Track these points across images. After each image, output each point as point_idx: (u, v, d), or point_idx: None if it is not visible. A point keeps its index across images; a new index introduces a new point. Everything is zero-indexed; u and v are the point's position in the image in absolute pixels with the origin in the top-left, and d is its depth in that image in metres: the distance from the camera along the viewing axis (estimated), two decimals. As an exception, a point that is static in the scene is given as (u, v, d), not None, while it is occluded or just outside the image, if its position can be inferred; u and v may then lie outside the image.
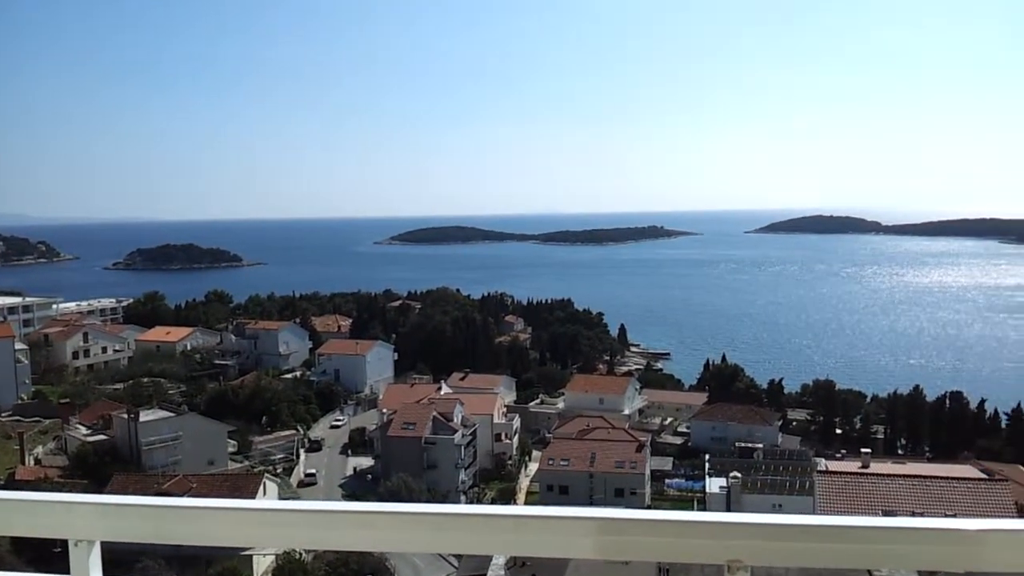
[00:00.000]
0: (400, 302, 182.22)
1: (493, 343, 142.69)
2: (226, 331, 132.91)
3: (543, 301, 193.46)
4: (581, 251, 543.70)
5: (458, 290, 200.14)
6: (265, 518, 2.39)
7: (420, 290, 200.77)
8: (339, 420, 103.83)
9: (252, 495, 60.31)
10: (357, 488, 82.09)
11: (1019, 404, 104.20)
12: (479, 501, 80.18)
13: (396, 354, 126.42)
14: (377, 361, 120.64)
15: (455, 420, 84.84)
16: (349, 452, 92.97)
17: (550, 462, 79.51)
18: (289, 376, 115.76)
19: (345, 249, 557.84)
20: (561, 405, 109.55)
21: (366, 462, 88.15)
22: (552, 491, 77.84)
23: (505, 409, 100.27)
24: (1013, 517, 47.88)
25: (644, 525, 2.13)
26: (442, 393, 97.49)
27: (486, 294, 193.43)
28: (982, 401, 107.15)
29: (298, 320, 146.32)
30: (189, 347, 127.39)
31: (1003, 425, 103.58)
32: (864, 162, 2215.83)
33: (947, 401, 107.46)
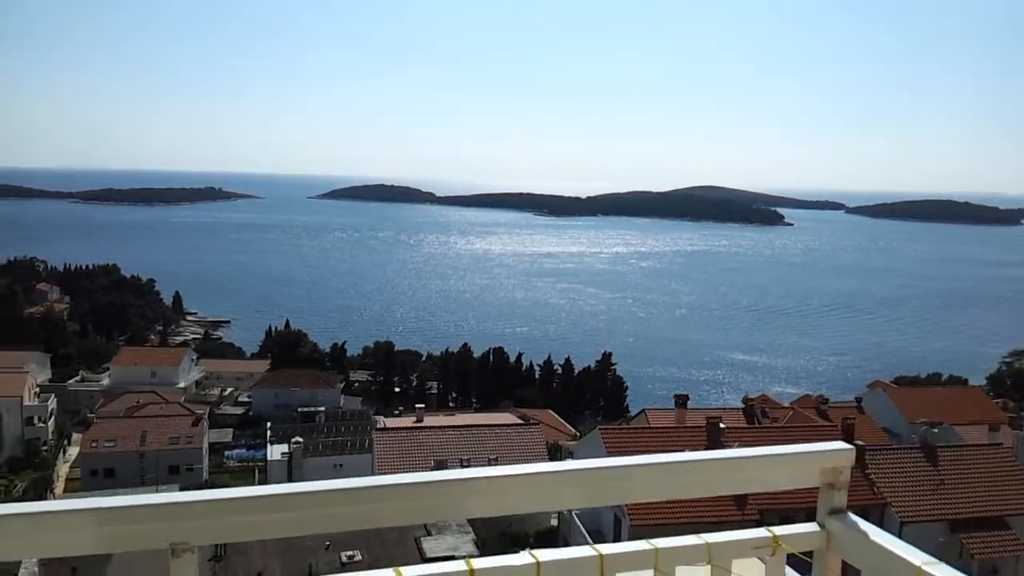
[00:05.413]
0: None
1: (22, 314, 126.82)
2: None
3: (84, 267, 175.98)
4: (129, 212, 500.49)
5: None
6: None
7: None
8: None
9: None
10: None
11: (548, 357, 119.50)
12: (8, 494, 70.66)
13: None
14: None
15: (-28, 406, 73.07)
16: None
17: (93, 444, 72.62)
18: None
19: None
20: (106, 381, 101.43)
21: None
22: (97, 476, 71.16)
23: (38, 389, 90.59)
24: (544, 459, 54.06)
25: (88, 515, 1.85)
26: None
27: (12, 259, 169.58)
28: (519, 355, 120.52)
29: None
30: None
31: (536, 376, 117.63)
32: (422, 135, 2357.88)
33: (491, 357, 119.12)
